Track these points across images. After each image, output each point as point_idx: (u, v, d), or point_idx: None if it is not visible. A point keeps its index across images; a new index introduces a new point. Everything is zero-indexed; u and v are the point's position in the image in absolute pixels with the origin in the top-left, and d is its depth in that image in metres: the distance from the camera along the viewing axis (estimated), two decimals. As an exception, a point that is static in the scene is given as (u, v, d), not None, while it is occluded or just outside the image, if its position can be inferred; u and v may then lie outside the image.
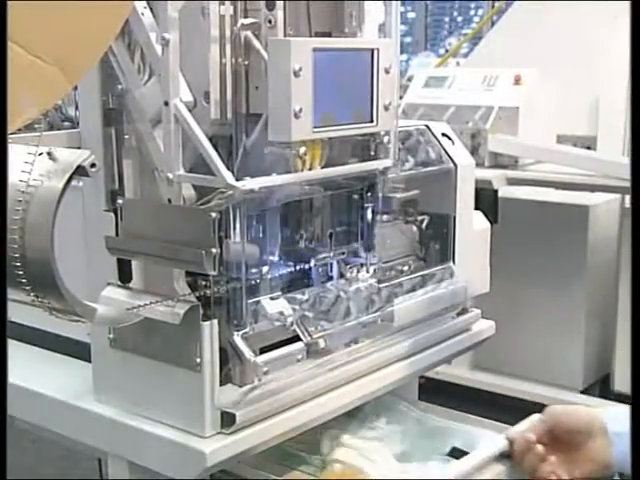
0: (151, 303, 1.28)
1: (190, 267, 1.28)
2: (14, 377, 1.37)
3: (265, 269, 1.38)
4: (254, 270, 1.37)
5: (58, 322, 1.26)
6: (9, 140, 1.03)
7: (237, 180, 1.26)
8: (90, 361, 1.46)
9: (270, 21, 1.33)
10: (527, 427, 1.41)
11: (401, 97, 3.41)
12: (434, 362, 1.70)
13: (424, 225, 1.72)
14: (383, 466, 1.42)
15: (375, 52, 1.40)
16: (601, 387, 3.54)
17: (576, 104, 3.46)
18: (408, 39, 9.81)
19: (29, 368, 1.58)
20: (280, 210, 1.42)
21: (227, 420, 1.31)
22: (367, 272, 1.56)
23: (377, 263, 1.58)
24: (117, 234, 1.35)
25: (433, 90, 3.49)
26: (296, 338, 1.40)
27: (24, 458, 3.33)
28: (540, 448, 1.36)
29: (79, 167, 1.18)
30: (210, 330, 1.29)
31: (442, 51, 7.37)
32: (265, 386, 1.35)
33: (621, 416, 1.32)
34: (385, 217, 1.61)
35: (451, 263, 1.73)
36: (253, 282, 1.37)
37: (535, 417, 1.42)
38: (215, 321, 1.29)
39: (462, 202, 1.75)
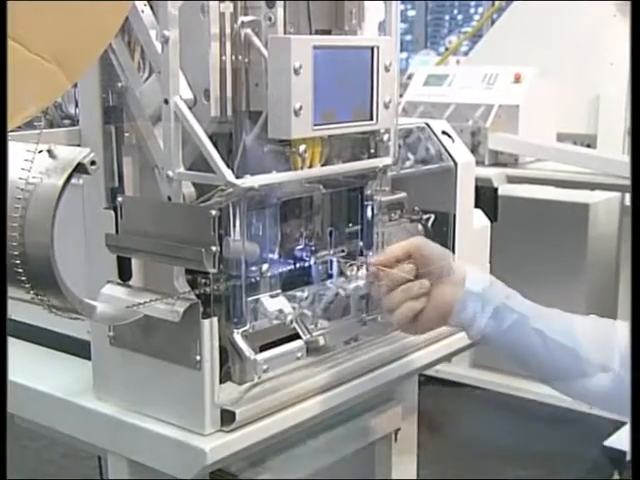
0: (151, 301, 1.28)
1: (190, 265, 1.28)
2: (14, 375, 1.37)
3: (265, 267, 1.38)
4: (254, 268, 1.37)
5: (58, 320, 1.26)
6: (9, 138, 1.03)
7: (237, 178, 1.26)
8: (90, 359, 1.46)
9: (270, 19, 1.33)
10: (384, 251, 1.36)
11: (401, 95, 3.42)
12: (434, 360, 1.70)
13: (424, 223, 1.71)
14: None
15: (375, 50, 1.40)
16: (601, 385, 3.53)
17: (576, 102, 3.46)
18: (408, 37, 9.80)
19: (29, 366, 1.58)
20: (280, 208, 1.42)
21: (227, 418, 1.31)
22: (367, 270, 1.55)
23: (377, 261, 1.57)
24: (117, 232, 1.34)
25: (433, 88, 3.49)
26: (296, 336, 1.40)
27: (24, 456, 3.33)
28: (396, 270, 1.30)
29: (79, 165, 1.17)
30: (210, 328, 1.29)
31: (442, 49, 7.36)
32: (265, 384, 1.35)
33: (480, 279, 1.30)
34: (385, 215, 1.61)
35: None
36: (253, 280, 1.37)
37: (397, 245, 1.36)
38: (215, 319, 1.29)
39: (462, 200, 1.75)
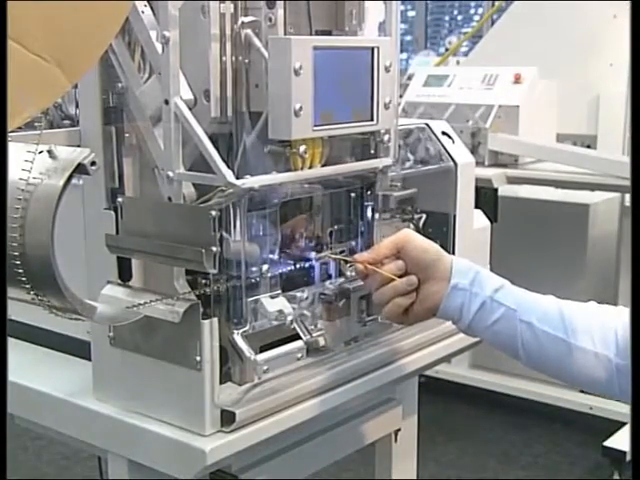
0: (151, 301, 1.28)
1: (190, 265, 1.28)
2: (14, 375, 1.37)
3: (265, 267, 1.38)
4: (254, 268, 1.37)
5: (58, 320, 1.26)
6: (9, 138, 1.03)
7: (237, 178, 1.26)
8: (90, 359, 1.46)
9: (270, 19, 1.33)
10: (373, 249, 1.37)
11: (401, 96, 3.42)
12: (434, 361, 1.70)
13: (423, 223, 1.71)
14: None
15: (375, 50, 1.40)
16: (601, 386, 3.53)
17: (576, 103, 3.47)
18: (408, 37, 9.79)
19: (29, 366, 1.58)
20: (280, 208, 1.42)
21: (227, 418, 1.31)
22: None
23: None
24: (117, 232, 1.35)
25: (433, 89, 3.50)
26: (296, 336, 1.40)
27: (24, 456, 3.33)
28: (385, 268, 1.32)
29: (79, 165, 1.18)
30: (210, 328, 1.29)
31: (442, 50, 7.35)
32: (265, 384, 1.35)
33: (465, 270, 1.30)
34: (385, 215, 1.61)
35: (451, 262, 1.73)
36: (253, 280, 1.37)
37: (385, 242, 1.36)
38: (215, 319, 1.29)
39: (462, 201, 1.75)
